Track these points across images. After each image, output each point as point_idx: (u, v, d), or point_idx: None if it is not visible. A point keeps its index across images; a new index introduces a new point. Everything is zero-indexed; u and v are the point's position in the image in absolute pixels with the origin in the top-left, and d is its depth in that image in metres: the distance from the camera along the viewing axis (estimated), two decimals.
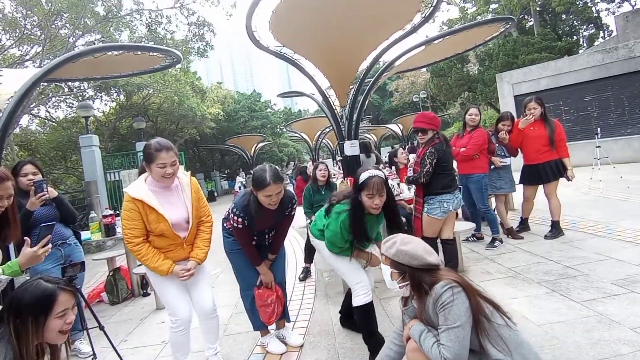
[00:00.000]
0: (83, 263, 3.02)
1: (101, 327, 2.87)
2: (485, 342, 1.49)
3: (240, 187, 20.22)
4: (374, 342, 2.41)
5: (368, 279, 2.57)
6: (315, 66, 5.43)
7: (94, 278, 5.67)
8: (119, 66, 5.35)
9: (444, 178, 3.34)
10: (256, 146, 21.24)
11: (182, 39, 15.22)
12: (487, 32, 6.40)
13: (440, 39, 6.06)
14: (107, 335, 2.86)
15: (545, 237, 4.47)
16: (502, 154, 4.79)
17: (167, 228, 2.28)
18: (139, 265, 4.46)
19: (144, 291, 4.62)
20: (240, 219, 2.48)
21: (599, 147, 7.15)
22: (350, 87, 5.95)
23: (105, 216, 4.31)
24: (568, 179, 4.43)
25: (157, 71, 6.02)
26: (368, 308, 2.47)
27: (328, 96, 5.87)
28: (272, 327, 2.88)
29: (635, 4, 22.15)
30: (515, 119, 4.76)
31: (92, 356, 2.94)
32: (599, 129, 7.70)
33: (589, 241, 4.18)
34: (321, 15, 4.62)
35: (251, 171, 2.75)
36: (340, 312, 3.01)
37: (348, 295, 2.80)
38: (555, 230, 4.49)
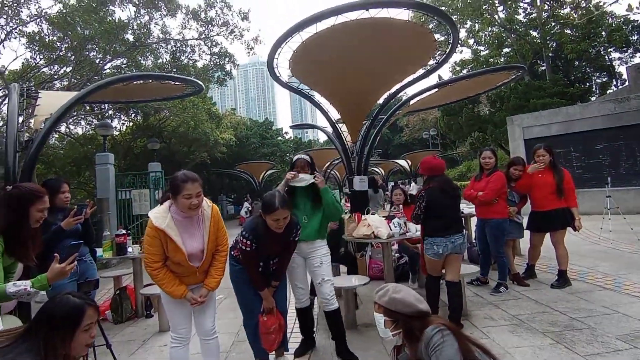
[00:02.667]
0: (98, 281, 3.13)
1: (108, 345, 2.98)
2: None
3: (246, 212, 20.33)
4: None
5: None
6: (330, 103, 5.64)
7: (98, 295, 5.71)
8: (144, 92, 5.66)
9: (436, 222, 3.48)
10: (264, 173, 21.57)
11: (202, 67, 15.85)
12: (499, 78, 6.61)
13: (452, 83, 6.26)
14: (113, 354, 2.93)
15: (552, 286, 4.43)
16: (513, 199, 4.82)
17: (183, 259, 2.40)
18: (145, 286, 4.53)
19: (147, 312, 4.69)
20: (249, 242, 2.66)
21: (609, 196, 7.15)
22: (363, 122, 6.13)
23: (117, 235, 4.41)
24: (575, 229, 4.42)
25: (178, 98, 6.35)
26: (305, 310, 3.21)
27: (341, 131, 6.04)
28: (271, 355, 2.93)
29: None
30: (526, 164, 4.82)
31: None
32: (609, 179, 7.71)
33: (596, 293, 4.14)
34: (339, 57, 4.88)
35: (258, 198, 3.03)
36: (332, 338, 3.17)
37: (329, 322, 3.14)
38: (562, 279, 4.45)
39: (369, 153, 6.13)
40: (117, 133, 18.28)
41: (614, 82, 25.55)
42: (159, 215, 2.38)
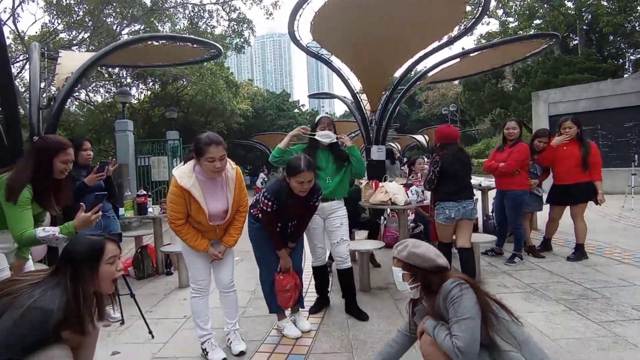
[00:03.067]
0: (120, 234, 3.24)
1: (132, 295, 3.15)
2: (495, 336, 1.56)
3: (262, 183, 20.53)
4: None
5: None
6: (350, 69, 5.54)
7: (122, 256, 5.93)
8: (161, 56, 5.64)
9: (449, 187, 3.55)
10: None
11: (220, 33, 15.67)
12: (528, 48, 6.34)
13: (478, 52, 6.04)
14: (137, 302, 3.09)
15: (568, 258, 4.40)
16: (535, 172, 4.72)
17: (204, 220, 2.47)
18: (165, 245, 4.70)
19: (167, 270, 4.86)
20: (270, 203, 2.68)
21: (634, 174, 6.94)
22: (383, 93, 6.03)
23: (139, 196, 4.54)
24: (597, 203, 4.33)
25: (196, 63, 6.36)
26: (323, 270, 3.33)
27: (360, 100, 5.96)
28: (287, 311, 3.02)
29: None
30: (551, 136, 4.68)
31: (121, 321, 3.24)
32: (636, 157, 7.45)
33: (613, 267, 4.10)
34: (362, 19, 4.73)
35: (274, 169, 3.12)
36: (342, 296, 3.28)
37: (341, 281, 3.27)
38: (579, 253, 4.41)
39: (387, 123, 6.06)
40: (136, 101, 18.47)
41: None
42: (184, 175, 2.40)
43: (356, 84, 5.85)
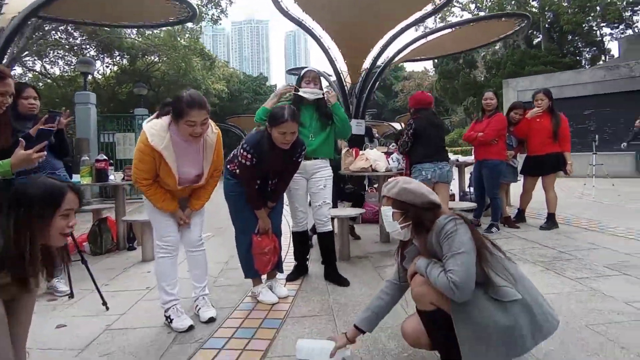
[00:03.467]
0: None
1: (84, 261, 2.81)
2: (490, 272, 1.50)
3: None
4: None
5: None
6: (332, 39, 5.38)
7: (76, 231, 5.49)
8: (126, 14, 5.19)
9: (424, 148, 3.66)
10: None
11: (197, 3, 14.88)
12: (502, 29, 6.42)
13: (455, 27, 6.06)
14: (90, 271, 2.75)
15: (541, 227, 4.53)
16: (511, 144, 4.82)
17: (173, 184, 2.25)
18: (129, 212, 4.32)
19: (130, 245, 4.44)
20: (249, 156, 2.45)
21: (595, 153, 7.25)
22: (363, 67, 5.92)
23: (98, 161, 4.15)
24: (566, 173, 4.49)
25: (167, 25, 5.89)
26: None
27: (340, 71, 5.83)
28: (263, 277, 2.84)
29: (638, 30, 22.46)
30: (525, 110, 4.79)
31: (69, 295, 2.88)
32: (597, 136, 7.81)
33: (582, 234, 4.26)
34: None
35: None
36: (322, 262, 3.17)
37: (321, 244, 3.15)
38: (551, 222, 4.55)
39: (367, 97, 5.97)
40: (100, 77, 17.42)
41: (603, 58, 25.73)
42: (156, 134, 2.11)
43: (337, 56, 5.70)
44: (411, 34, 5.70)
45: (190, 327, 2.25)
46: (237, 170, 2.59)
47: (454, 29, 6.20)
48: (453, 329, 1.50)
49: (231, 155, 2.70)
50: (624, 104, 11.10)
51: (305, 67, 3.19)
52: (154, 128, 2.14)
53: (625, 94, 11.15)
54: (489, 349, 1.44)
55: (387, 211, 1.70)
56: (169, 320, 2.29)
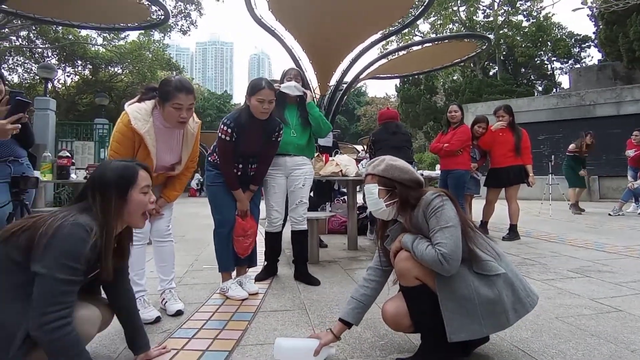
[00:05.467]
0: (37, 179, 2.73)
1: None
2: (474, 247, 1.50)
3: (197, 184, 19.58)
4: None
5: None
6: (303, 49, 5.45)
7: None
8: (97, 14, 5.04)
9: (382, 152, 3.78)
10: None
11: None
12: (464, 50, 6.79)
13: (422, 46, 6.33)
14: None
15: (503, 238, 4.66)
16: (475, 156, 5.00)
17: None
18: None
19: None
20: (229, 130, 2.47)
21: (551, 173, 7.66)
22: (332, 80, 6.02)
23: (60, 157, 3.93)
24: (529, 185, 4.69)
25: (139, 29, 5.74)
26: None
27: (310, 82, 5.87)
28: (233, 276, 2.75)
29: (585, 64, 24.68)
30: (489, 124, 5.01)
31: None
32: (552, 156, 8.27)
33: (543, 244, 4.43)
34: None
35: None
36: (293, 261, 3.13)
37: (294, 242, 3.10)
38: (513, 233, 4.70)
39: (336, 109, 6.04)
40: (61, 86, 16.64)
41: (554, 90, 27.93)
42: (140, 117, 2.06)
43: (308, 67, 5.76)
44: (378, 51, 5.89)
45: (158, 319, 2.14)
46: (217, 150, 2.58)
47: (420, 47, 6.46)
48: (436, 305, 1.48)
49: (211, 147, 2.71)
50: (575, 130, 11.91)
51: (288, 67, 3.23)
52: (138, 112, 2.08)
53: (576, 121, 12.00)
54: (474, 321, 1.42)
55: (372, 188, 1.66)
56: None
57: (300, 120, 3.01)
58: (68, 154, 3.99)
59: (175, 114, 2.05)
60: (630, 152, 7.54)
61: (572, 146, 7.82)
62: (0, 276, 1.26)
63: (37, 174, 2.92)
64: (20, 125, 1.77)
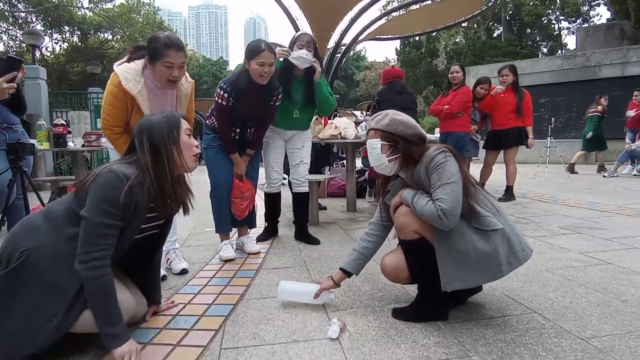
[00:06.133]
0: (33, 146, 2.76)
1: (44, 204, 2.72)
2: (473, 203, 1.54)
3: None
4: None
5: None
6: (300, 8, 5.28)
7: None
8: None
9: None
10: None
11: None
12: (469, 8, 6.58)
13: (423, 3, 6.12)
14: None
15: (499, 199, 4.72)
16: (475, 118, 4.98)
17: None
18: None
19: None
20: (226, 95, 2.43)
21: (550, 136, 7.66)
22: (331, 41, 5.87)
23: (56, 125, 3.91)
24: (527, 147, 4.71)
25: None
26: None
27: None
28: (233, 237, 2.85)
29: (593, 23, 23.98)
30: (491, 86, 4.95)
31: None
32: (552, 119, 8.24)
33: (537, 204, 4.52)
34: None
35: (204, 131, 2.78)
36: (294, 222, 3.19)
37: (295, 204, 3.12)
38: (509, 194, 4.77)
39: (334, 73, 5.93)
40: (50, 54, 16.19)
41: (560, 51, 27.26)
42: (130, 78, 2.00)
43: (305, 27, 5.59)
44: (379, 11, 5.71)
45: (164, 277, 2.21)
46: (215, 114, 2.56)
47: (422, 3, 6.25)
48: (433, 258, 1.53)
49: (209, 110, 2.69)
50: (578, 92, 11.78)
51: (300, 32, 2.94)
52: (128, 72, 2.02)
53: (580, 83, 11.81)
54: (468, 273, 1.49)
55: (375, 143, 1.66)
56: None
57: (305, 97, 2.85)
58: (63, 122, 3.95)
59: (166, 72, 1.99)
60: (630, 113, 7.51)
61: (597, 108, 7.76)
62: (62, 231, 1.35)
63: (32, 141, 2.93)
64: (15, 85, 1.76)
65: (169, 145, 1.45)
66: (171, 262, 2.40)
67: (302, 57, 2.67)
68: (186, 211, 1.62)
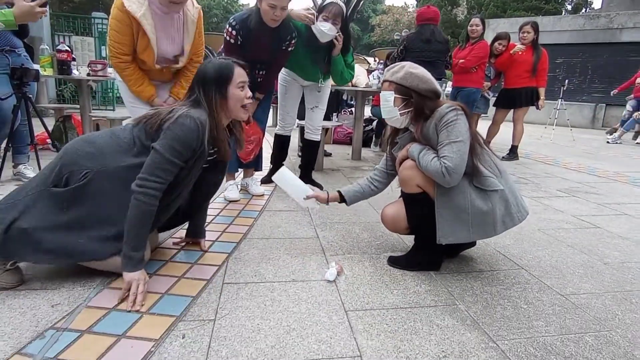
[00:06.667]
0: (38, 72, 2.73)
1: (54, 145, 2.78)
2: (478, 163, 1.57)
3: None
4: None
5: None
6: None
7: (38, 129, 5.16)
8: None
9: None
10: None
11: None
12: None
13: None
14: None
15: (502, 158, 4.75)
16: (489, 75, 4.85)
17: (150, 61, 2.09)
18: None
19: None
20: (234, 32, 2.36)
21: (562, 98, 7.51)
22: None
23: (59, 51, 3.80)
24: (537, 108, 4.65)
25: None
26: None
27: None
28: (238, 177, 2.91)
29: None
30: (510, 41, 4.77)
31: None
32: (566, 81, 8.03)
33: (539, 165, 4.56)
34: None
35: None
36: (300, 166, 3.27)
37: (305, 150, 3.20)
38: (513, 153, 4.80)
39: (350, 15, 5.66)
40: None
41: (584, 10, 25.71)
42: (134, 0, 1.94)
43: None
44: None
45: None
46: (222, 52, 2.50)
47: None
48: (432, 212, 1.59)
49: (220, 47, 2.67)
50: (597, 55, 11.35)
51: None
52: None
53: (599, 45, 11.33)
54: (463, 228, 1.55)
55: (388, 96, 1.66)
56: None
57: (327, 65, 2.78)
58: (67, 48, 3.83)
59: None
60: None
61: None
62: (126, 159, 1.44)
63: (36, 67, 2.87)
64: (47, 9, 1.81)
65: (216, 99, 1.54)
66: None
67: (324, 33, 2.55)
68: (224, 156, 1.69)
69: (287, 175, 1.85)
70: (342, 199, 1.86)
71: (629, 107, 7.54)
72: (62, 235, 1.36)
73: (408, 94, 1.63)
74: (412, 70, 1.64)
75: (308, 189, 1.85)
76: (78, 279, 1.49)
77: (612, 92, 8.02)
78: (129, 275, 1.37)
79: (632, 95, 7.70)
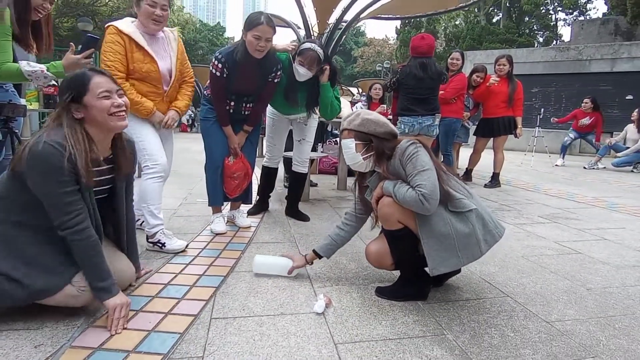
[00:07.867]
0: (25, 107, 2.72)
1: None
2: (447, 187, 1.63)
3: (187, 120, 19.23)
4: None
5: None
6: None
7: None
8: None
9: (402, 101, 3.77)
10: None
11: None
12: None
13: None
14: None
15: (485, 186, 4.89)
16: (468, 105, 5.05)
17: (155, 69, 2.20)
18: None
19: None
20: (220, 65, 2.41)
21: (539, 126, 7.82)
22: (332, 17, 5.78)
23: (46, 85, 3.83)
24: (516, 136, 4.83)
25: None
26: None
27: (308, 17, 5.65)
28: (225, 210, 2.90)
29: (590, 17, 23.97)
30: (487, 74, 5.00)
31: None
32: (542, 110, 8.38)
33: (520, 192, 4.68)
34: None
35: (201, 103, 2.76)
36: (285, 197, 3.27)
37: (292, 182, 3.21)
38: (495, 181, 4.92)
39: (334, 48, 5.87)
40: None
41: (555, 42, 27.29)
42: (122, 22, 2.14)
43: (307, 1, 5.49)
44: None
45: (186, 246, 2.30)
46: (209, 84, 2.56)
47: None
48: (415, 246, 1.64)
49: (207, 81, 2.65)
50: (568, 85, 11.95)
51: (306, 42, 2.66)
52: (120, 21, 2.16)
53: (571, 75, 11.95)
54: (452, 255, 1.59)
55: (349, 143, 1.74)
56: (160, 245, 2.22)
57: (309, 99, 2.81)
58: (55, 82, 3.86)
59: (149, 11, 2.11)
60: (585, 121, 7.60)
61: None
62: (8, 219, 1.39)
63: (23, 102, 2.88)
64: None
65: (73, 114, 1.42)
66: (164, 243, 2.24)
67: (300, 74, 2.61)
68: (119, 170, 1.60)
69: (264, 260, 1.98)
70: (319, 255, 1.91)
71: (570, 135, 7.95)
72: None
73: (367, 139, 1.72)
74: (367, 116, 1.74)
75: (288, 263, 1.93)
76: (61, 317, 1.45)
77: (552, 119, 8.26)
78: (111, 302, 1.39)
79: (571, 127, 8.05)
